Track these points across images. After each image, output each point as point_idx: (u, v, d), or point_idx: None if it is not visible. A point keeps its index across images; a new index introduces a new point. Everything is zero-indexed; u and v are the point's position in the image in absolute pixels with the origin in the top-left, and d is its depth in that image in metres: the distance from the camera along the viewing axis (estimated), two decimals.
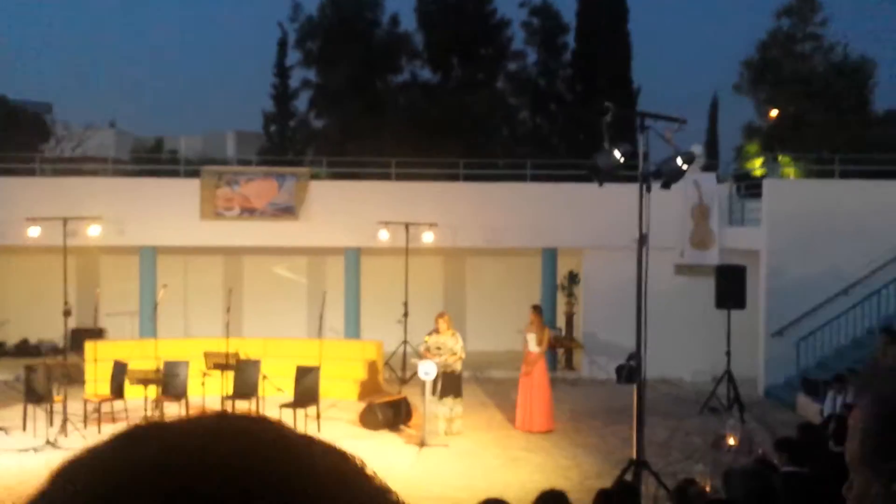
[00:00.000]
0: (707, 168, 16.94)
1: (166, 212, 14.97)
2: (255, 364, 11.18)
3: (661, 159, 8.66)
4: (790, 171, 20.04)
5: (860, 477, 1.03)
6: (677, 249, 15.15)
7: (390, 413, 10.98)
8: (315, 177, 16.61)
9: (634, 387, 8.29)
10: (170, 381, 11.05)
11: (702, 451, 9.77)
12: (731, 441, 9.44)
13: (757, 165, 20.21)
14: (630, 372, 8.16)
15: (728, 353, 12.22)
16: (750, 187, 16.03)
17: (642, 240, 8.03)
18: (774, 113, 25.03)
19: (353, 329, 15.30)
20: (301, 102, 28.12)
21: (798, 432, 6.31)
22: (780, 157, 19.93)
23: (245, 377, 11.11)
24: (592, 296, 15.34)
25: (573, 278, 16.09)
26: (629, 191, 8.08)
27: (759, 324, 13.80)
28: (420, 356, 10.84)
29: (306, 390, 10.85)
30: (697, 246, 15.30)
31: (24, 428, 10.54)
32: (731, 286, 12.49)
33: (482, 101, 25.26)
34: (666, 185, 8.63)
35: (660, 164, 8.57)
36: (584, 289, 15.71)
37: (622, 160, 8.09)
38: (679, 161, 8.29)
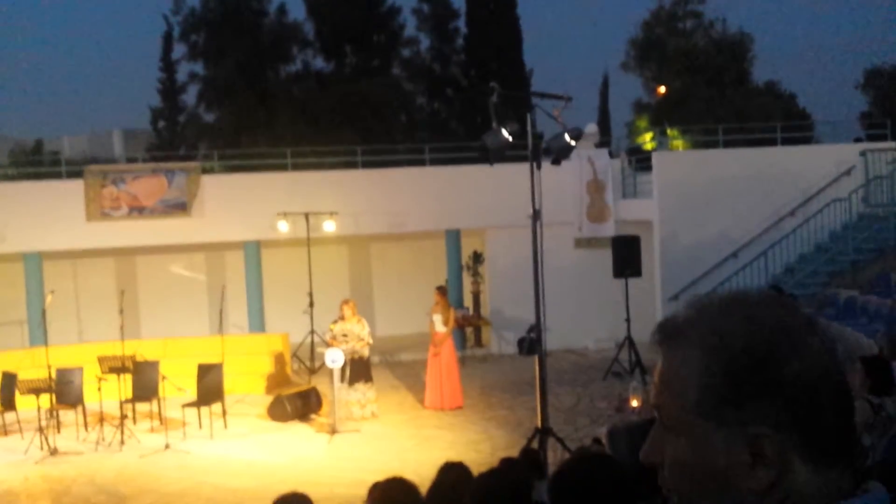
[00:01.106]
0: (600, 144, 17.38)
1: (50, 215, 14.24)
2: (153, 365, 10.79)
3: (550, 136, 8.82)
4: (678, 143, 20.82)
5: (685, 435, 0.91)
6: (575, 224, 15.53)
7: (299, 404, 10.83)
8: (208, 171, 16.13)
9: (536, 358, 8.43)
10: (63, 389, 10.55)
11: (607, 414, 10.06)
12: (635, 403, 9.74)
13: (647, 140, 20.89)
14: (531, 344, 8.28)
15: (628, 320, 12.61)
16: (641, 161, 16.55)
17: (535, 215, 8.17)
18: (663, 89, 25.95)
19: (257, 323, 14.98)
20: (190, 97, 27.27)
21: None
22: (668, 131, 20.67)
23: (143, 379, 10.72)
24: (496, 274, 15.54)
25: (477, 258, 16.24)
26: (526, 170, 8.18)
27: (656, 290, 14.29)
28: (327, 345, 10.72)
29: (209, 388, 10.56)
30: (594, 219, 15.72)
31: None
32: (626, 256, 12.89)
33: (378, 88, 25.11)
34: (556, 162, 8.78)
35: (549, 142, 8.73)
36: (489, 267, 15.89)
37: (510, 139, 8.19)
38: (567, 137, 8.47)
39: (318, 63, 27.40)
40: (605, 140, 19.56)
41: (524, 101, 8.59)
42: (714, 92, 24.60)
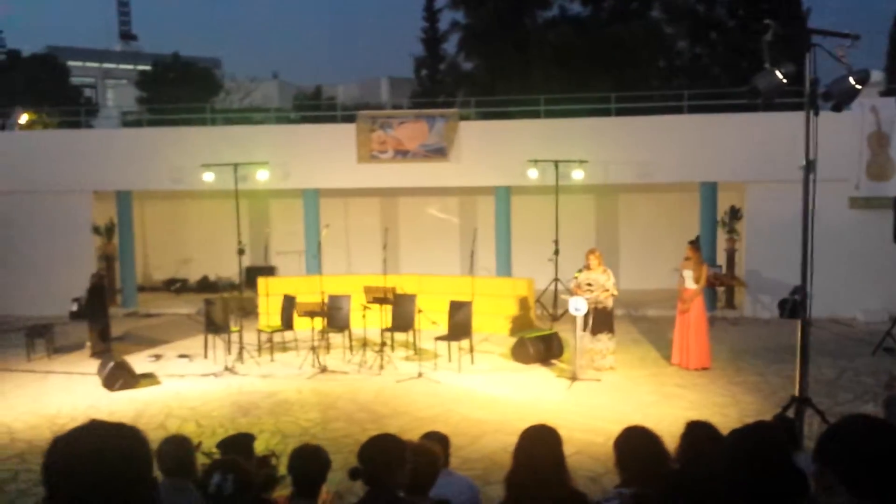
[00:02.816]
0: (887, 93, 15.51)
1: (326, 156, 15.66)
2: (411, 298, 11.59)
3: (832, 80, 8.01)
4: None
5: None
6: (852, 181, 14.09)
7: (542, 347, 11.09)
8: (464, 118, 16.72)
9: (798, 322, 7.87)
10: (334, 314, 11.69)
11: (873, 391, 9.19)
12: None
13: None
14: (794, 306, 7.77)
15: None
16: None
17: (809, 166, 7.53)
18: None
19: (504, 267, 15.46)
20: (450, 45, 28.26)
21: None
22: None
23: (402, 311, 11.56)
24: (756, 232, 14.61)
25: (735, 213, 15.35)
26: (796, 119, 7.56)
27: None
28: (571, 292, 10.81)
29: (459, 324, 11.15)
30: (875, 177, 14.15)
31: (206, 356, 11.58)
32: None
33: (636, 32, 24.25)
34: (836, 108, 7.97)
35: (830, 85, 7.93)
36: (747, 224, 14.98)
37: (785, 81, 7.56)
38: (852, 80, 7.64)
39: (575, 8, 27.02)
40: (892, 88, 17.37)
41: (802, 40, 7.82)
42: None
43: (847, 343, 12.18)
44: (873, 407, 7.99)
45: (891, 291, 12.03)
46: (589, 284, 10.58)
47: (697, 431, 3.93)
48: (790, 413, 7.71)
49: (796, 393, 7.76)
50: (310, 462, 3.91)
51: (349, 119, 16.56)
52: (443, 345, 11.18)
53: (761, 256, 14.30)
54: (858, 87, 7.74)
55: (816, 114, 7.49)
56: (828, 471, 2.06)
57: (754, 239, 14.67)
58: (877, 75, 14.63)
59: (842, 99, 7.91)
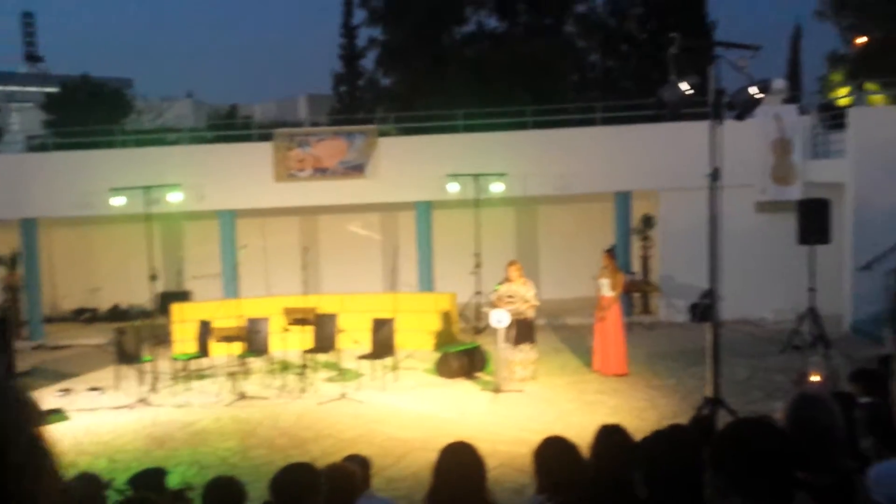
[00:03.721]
0: (789, 100, 16.20)
1: (242, 176, 15.35)
2: (332, 318, 11.43)
3: (735, 90, 8.31)
4: (877, 98, 18.96)
5: None
6: (758, 187, 14.66)
7: (465, 361, 11.10)
8: (384, 134, 16.67)
9: (709, 325, 8.10)
10: (253, 338, 11.43)
11: (783, 388, 9.51)
12: (815, 377, 9.13)
13: (842, 95, 19.18)
14: (705, 310, 7.95)
15: (812, 290, 11.79)
16: (834, 118, 15.27)
17: (714, 175, 7.78)
18: (862, 39, 23.62)
19: (426, 282, 15.44)
20: (369, 62, 28.23)
21: (878, 364, 6.08)
22: (866, 85, 18.86)
23: (323, 331, 11.39)
24: (669, 238, 15.01)
25: (648, 221, 15.74)
26: (703, 128, 7.80)
27: (845, 258, 13.24)
28: (493, 305, 10.86)
29: (382, 342, 11.06)
30: (779, 181, 14.75)
31: (118, 387, 11.14)
32: (814, 221, 11.99)
33: (550, 46, 24.73)
34: (740, 117, 8.28)
35: (732, 95, 8.22)
36: (660, 231, 15.38)
37: (689, 92, 7.81)
38: (753, 90, 7.94)
39: (492, 23, 27.39)
40: (794, 95, 18.18)
41: (706, 52, 8.14)
42: None
43: (758, 343, 12.60)
44: (783, 404, 8.25)
45: (797, 291, 12.49)
46: (510, 296, 10.66)
47: (609, 436, 3.98)
48: (704, 413, 7.91)
49: (709, 394, 7.98)
50: (223, 494, 3.79)
51: (266, 138, 16.29)
52: (366, 364, 11.07)
53: (674, 262, 14.69)
54: (759, 96, 8.05)
55: (721, 123, 7.76)
56: (720, 475, 2.08)
57: (667, 245, 15.07)
58: (779, 83, 15.21)
59: (744, 108, 8.20)
